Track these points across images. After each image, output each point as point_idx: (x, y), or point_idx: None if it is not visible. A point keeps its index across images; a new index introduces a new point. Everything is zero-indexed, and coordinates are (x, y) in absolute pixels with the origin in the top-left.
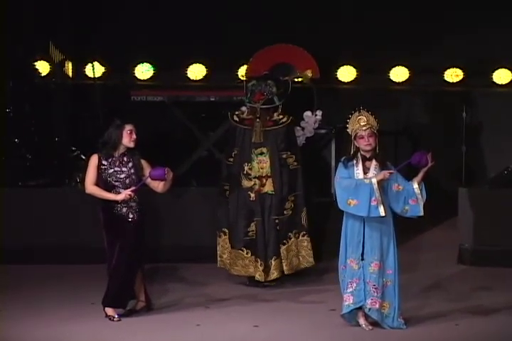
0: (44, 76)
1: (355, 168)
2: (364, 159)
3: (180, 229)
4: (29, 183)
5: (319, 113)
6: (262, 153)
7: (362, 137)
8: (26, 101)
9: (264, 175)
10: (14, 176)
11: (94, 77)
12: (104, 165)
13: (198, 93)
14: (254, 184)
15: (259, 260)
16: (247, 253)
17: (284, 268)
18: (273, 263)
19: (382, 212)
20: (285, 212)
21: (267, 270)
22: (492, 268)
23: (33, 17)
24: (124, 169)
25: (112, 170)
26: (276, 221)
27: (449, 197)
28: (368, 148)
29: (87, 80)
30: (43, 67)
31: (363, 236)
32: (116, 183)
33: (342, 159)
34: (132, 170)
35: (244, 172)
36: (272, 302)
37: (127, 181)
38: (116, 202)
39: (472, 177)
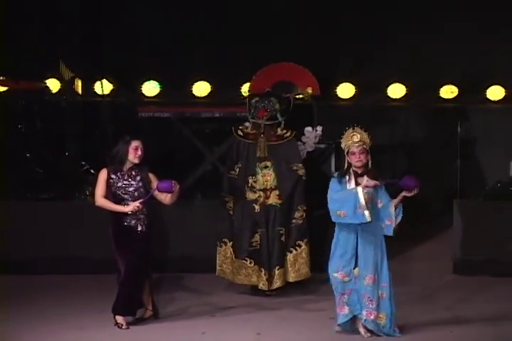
0: (55, 93)
1: (348, 184)
2: (356, 175)
3: (186, 240)
4: (39, 196)
5: (319, 128)
6: (266, 167)
7: (354, 153)
8: (37, 117)
9: (268, 187)
10: (25, 189)
11: (103, 94)
12: (112, 178)
13: (202, 109)
14: (259, 196)
15: (263, 269)
16: (250, 263)
17: (292, 275)
18: (276, 272)
19: (368, 216)
20: (294, 221)
21: (270, 279)
22: (486, 277)
23: (44, 37)
24: (132, 182)
25: (120, 184)
26: (281, 232)
27: (445, 209)
28: (359, 164)
29: (96, 97)
30: (53, 85)
31: (355, 250)
32: (126, 196)
33: (335, 174)
34: (140, 184)
35: (249, 185)
36: (274, 311)
37: (136, 194)
38: (125, 214)
39: (466, 189)
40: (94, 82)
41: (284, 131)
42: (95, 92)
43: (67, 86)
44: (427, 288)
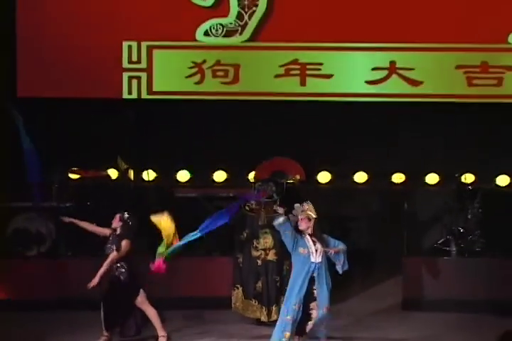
0: (114, 180)
1: (307, 241)
2: (309, 235)
3: (207, 285)
4: (104, 254)
5: (305, 204)
6: (266, 232)
7: (298, 220)
8: (101, 197)
9: (267, 247)
10: (94, 248)
11: (149, 180)
12: (112, 230)
13: (221, 191)
14: (261, 254)
15: (264, 307)
16: (255, 302)
17: None
18: (274, 309)
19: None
20: (284, 272)
21: (269, 314)
22: (428, 312)
23: (106, 138)
24: (110, 241)
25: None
26: (276, 279)
27: (395, 263)
28: (300, 228)
29: (144, 183)
30: (113, 174)
31: (310, 289)
32: (105, 245)
33: (299, 232)
34: (114, 247)
35: (254, 245)
36: None
37: (105, 249)
38: (113, 266)
39: (411, 249)
40: (142, 171)
41: (279, 207)
42: (143, 179)
43: (122, 174)
44: (382, 320)
